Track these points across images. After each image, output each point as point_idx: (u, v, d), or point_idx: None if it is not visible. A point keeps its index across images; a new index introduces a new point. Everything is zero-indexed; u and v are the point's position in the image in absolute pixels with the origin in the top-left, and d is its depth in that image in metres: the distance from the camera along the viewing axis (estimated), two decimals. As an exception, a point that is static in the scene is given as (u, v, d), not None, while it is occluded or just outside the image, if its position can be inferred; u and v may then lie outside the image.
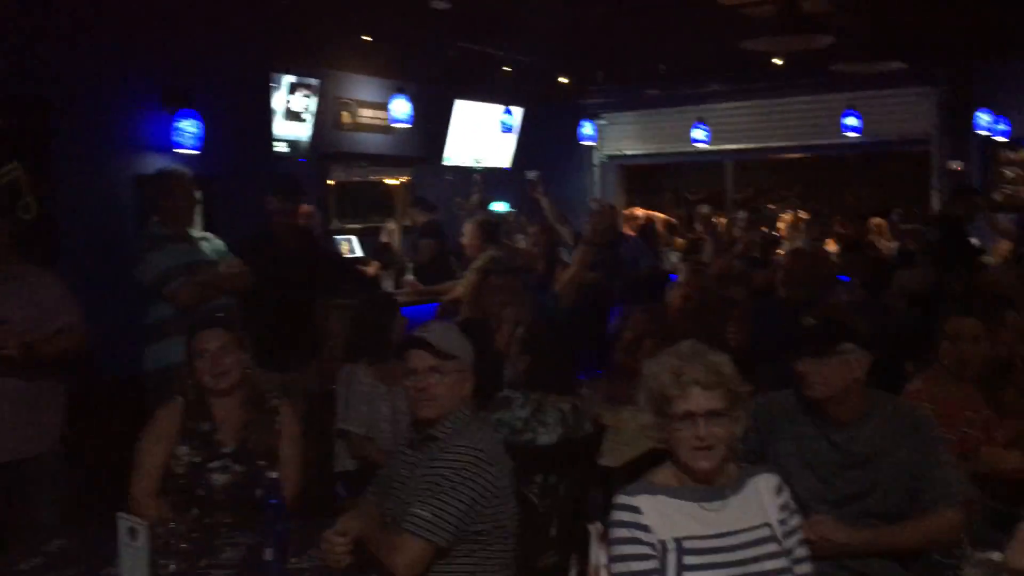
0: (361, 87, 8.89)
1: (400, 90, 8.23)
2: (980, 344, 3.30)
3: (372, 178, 9.23)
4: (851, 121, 9.28)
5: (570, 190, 10.55)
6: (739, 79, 9.77)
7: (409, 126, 8.44)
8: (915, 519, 2.55)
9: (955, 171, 9.33)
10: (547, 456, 3.15)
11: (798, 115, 10.15)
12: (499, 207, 9.91)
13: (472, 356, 2.67)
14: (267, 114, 7.36)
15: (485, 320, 4.43)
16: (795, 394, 2.67)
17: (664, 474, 2.21)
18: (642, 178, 12.54)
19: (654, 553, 2.09)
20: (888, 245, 8.57)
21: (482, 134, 10.09)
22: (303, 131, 8.09)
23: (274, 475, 2.59)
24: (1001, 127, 8.94)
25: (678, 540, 2.09)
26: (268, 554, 2.39)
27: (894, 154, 10.79)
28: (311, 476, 3.18)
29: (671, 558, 2.08)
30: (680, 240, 9.19)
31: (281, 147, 7.84)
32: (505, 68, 8.46)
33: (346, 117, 8.71)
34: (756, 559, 2.10)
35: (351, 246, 8.45)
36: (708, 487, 2.16)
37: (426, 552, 2.36)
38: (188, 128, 6.22)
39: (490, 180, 9.99)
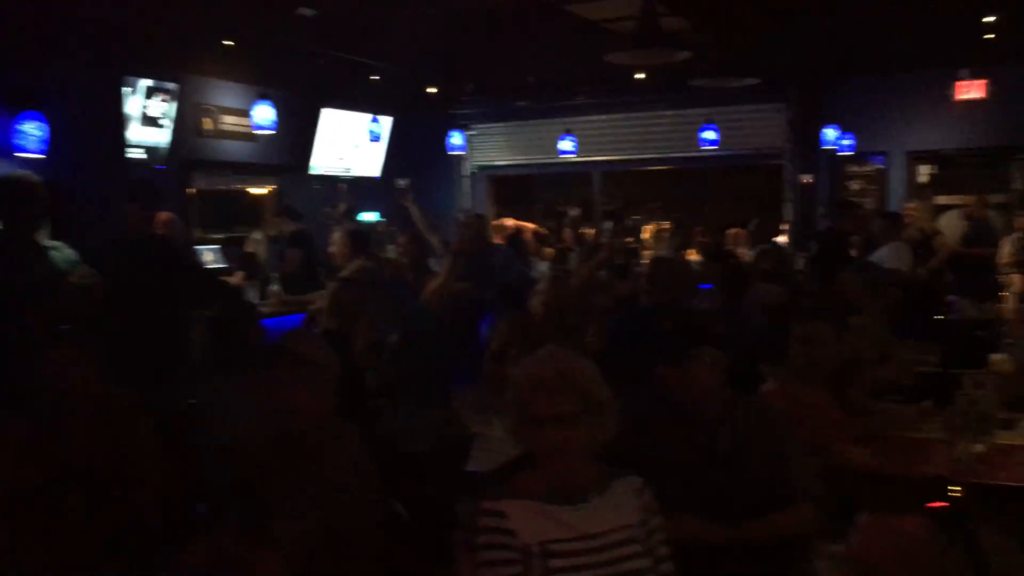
0: (223, 93, 8.65)
1: (263, 96, 8.04)
2: (829, 347, 3.48)
3: (237, 187, 8.99)
4: (709, 135, 9.65)
5: (440, 200, 10.55)
6: (605, 92, 10.03)
7: (273, 132, 8.23)
8: (772, 515, 2.64)
9: (806, 184, 9.83)
10: (417, 465, 3.13)
11: (660, 128, 10.48)
12: (369, 217, 9.81)
13: (338, 366, 2.62)
14: (119, 118, 7.06)
15: (342, 331, 4.38)
16: (657, 397, 2.74)
17: (529, 479, 2.22)
18: (512, 189, 12.66)
19: (519, 558, 2.09)
20: (746, 253, 8.93)
21: (350, 143, 9.97)
22: (161, 137, 7.80)
23: (129, 495, 2.47)
24: (846, 142, 9.48)
25: (543, 544, 2.10)
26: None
27: (750, 167, 11.28)
28: (171, 495, 3.05)
29: (536, 562, 2.08)
30: (549, 250, 9.31)
31: (138, 153, 7.53)
32: (373, 77, 8.40)
33: (207, 123, 8.46)
34: (620, 560, 2.14)
35: (215, 256, 8.18)
36: (573, 490, 2.18)
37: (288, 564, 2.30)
38: (32, 131, 5.91)
39: (359, 190, 9.89)
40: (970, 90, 9.03)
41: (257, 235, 8.09)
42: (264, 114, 8.00)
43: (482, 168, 11.61)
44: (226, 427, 3.70)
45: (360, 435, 2.64)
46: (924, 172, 10.27)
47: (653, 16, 6.09)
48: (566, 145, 10.27)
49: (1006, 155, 9.92)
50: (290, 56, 7.60)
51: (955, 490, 1.25)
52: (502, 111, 11.06)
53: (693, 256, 8.79)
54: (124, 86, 7.18)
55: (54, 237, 4.78)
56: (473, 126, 11.20)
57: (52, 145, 5.99)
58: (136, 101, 7.47)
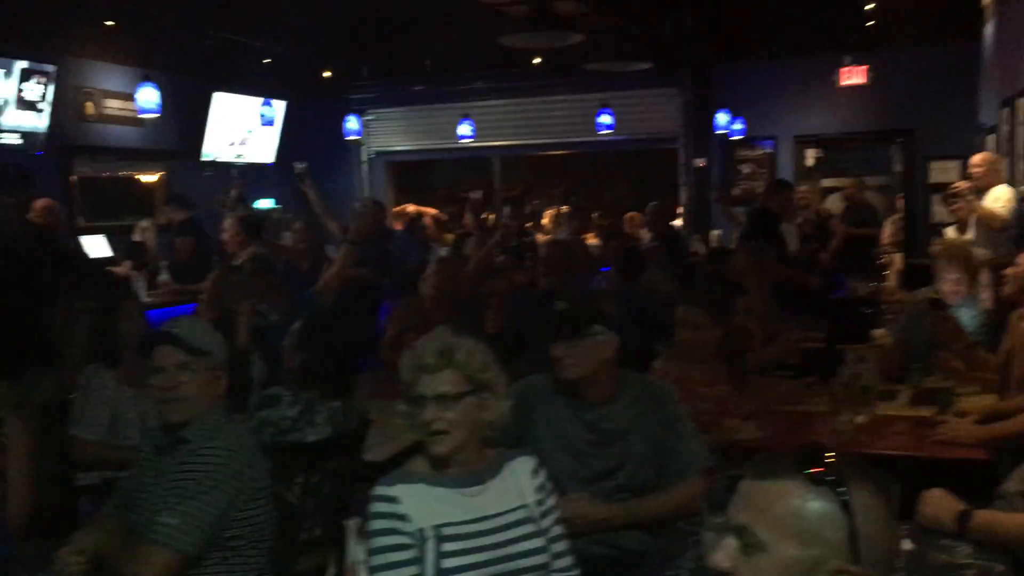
0: (106, 75, 8.30)
1: (146, 78, 7.69)
2: (703, 331, 3.55)
3: (123, 173, 8.65)
4: (605, 119, 9.73)
5: (338, 186, 10.36)
6: (502, 77, 10.02)
7: (158, 116, 7.87)
8: (662, 490, 2.69)
9: (699, 168, 10.04)
10: (311, 455, 3.07)
11: (557, 113, 10.53)
12: (264, 204, 9.59)
13: (225, 353, 2.54)
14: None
15: (223, 320, 4.28)
16: (550, 377, 2.75)
17: (421, 463, 2.19)
18: (412, 174, 12.56)
19: (413, 542, 2.07)
20: (644, 235, 9.08)
21: (243, 128, 9.70)
22: (39, 122, 7.43)
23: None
24: (737, 126, 9.70)
25: (437, 527, 2.08)
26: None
27: (647, 151, 11.46)
28: (48, 492, 2.91)
29: (430, 546, 2.06)
30: (449, 235, 9.29)
31: (13, 139, 7.17)
32: (265, 60, 8.19)
33: (90, 108, 8.11)
34: (513, 540, 2.13)
35: (100, 245, 7.87)
36: (465, 473, 2.16)
37: (173, 562, 2.22)
38: None
39: (254, 176, 9.65)
40: (853, 76, 9.34)
41: (145, 223, 7.82)
42: (148, 97, 7.63)
43: (380, 154, 11.47)
44: (105, 418, 3.58)
45: (245, 423, 2.57)
46: (811, 156, 10.62)
47: (546, -1, 6.12)
48: (464, 130, 10.21)
49: (887, 138, 10.35)
50: (176, 37, 7.35)
51: (830, 456, 1.30)
52: (399, 96, 10.93)
53: (592, 240, 8.89)
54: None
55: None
56: (370, 111, 11.03)
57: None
58: (11, 84, 7.11)
